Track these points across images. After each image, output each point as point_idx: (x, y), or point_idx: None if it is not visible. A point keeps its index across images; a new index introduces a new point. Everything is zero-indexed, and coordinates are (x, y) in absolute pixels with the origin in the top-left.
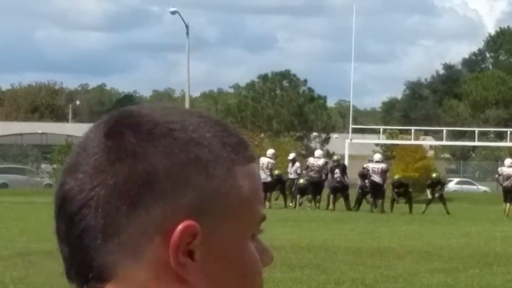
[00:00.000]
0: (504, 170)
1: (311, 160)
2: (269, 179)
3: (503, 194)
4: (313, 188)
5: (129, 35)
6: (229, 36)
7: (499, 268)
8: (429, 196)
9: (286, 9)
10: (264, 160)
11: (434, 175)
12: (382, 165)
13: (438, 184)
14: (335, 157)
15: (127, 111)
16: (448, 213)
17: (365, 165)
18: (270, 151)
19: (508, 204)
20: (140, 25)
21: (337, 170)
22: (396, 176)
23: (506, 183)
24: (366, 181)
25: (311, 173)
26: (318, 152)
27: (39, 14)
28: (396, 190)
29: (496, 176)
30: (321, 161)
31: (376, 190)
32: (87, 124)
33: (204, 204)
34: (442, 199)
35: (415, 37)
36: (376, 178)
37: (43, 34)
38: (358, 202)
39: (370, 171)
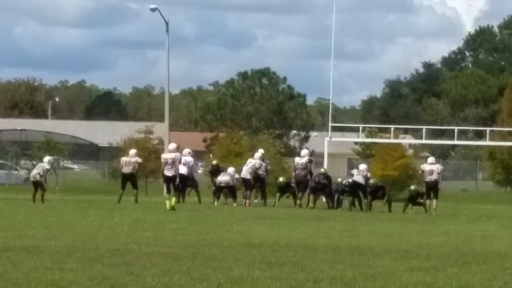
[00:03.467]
0: (426, 166)
1: (296, 159)
2: (248, 176)
3: (426, 190)
4: (297, 186)
5: (108, 32)
6: (209, 34)
7: (478, 267)
8: (410, 206)
9: (265, 6)
10: (252, 161)
11: (412, 187)
12: (367, 173)
13: (417, 196)
14: (322, 170)
15: None
16: (426, 211)
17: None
18: (258, 154)
19: (434, 201)
20: (119, 22)
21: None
22: (372, 181)
23: (429, 178)
24: (345, 182)
25: (297, 172)
26: (304, 152)
27: (18, 10)
28: (372, 195)
29: (420, 172)
30: (304, 159)
31: (357, 189)
32: (67, 120)
33: None
34: (424, 206)
35: (394, 35)
36: (359, 179)
37: (22, 30)
38: (338, 202)
39: (355, 173)
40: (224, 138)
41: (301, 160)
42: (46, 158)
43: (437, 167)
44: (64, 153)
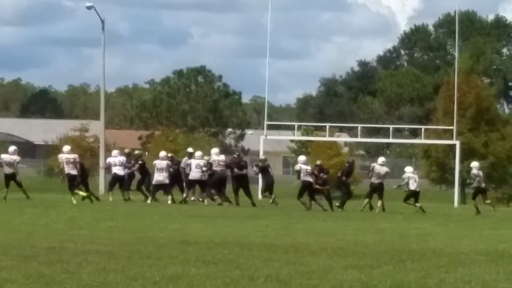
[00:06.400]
0: (377, 167)
1: (214, 156)
2: (204, 177)
3: (370, 190)
4: (218, 182)
5: (44, 30)
6: (144, 32)
7: (412, 265)
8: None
9: (200, 4)
10: (199, 162)
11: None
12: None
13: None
14: (262, 157)
15: None
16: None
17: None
18: (199, 153)
19: (380, 201)
20: (54, 20)
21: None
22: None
23: (377, 181)
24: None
25: (216, 168)
26: (214, 150)
27: None
28: (316, 174)
29: (370, 169)
30: (222, 157)
31: (309, 189)
32: (2, 118)
33: None
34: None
35: (329, 34)
36: (309, 178)
37: None
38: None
39: (303, 173)
40: (159, 136)
41: (220, 157)
42: None
43: (383, 170)
44: None
